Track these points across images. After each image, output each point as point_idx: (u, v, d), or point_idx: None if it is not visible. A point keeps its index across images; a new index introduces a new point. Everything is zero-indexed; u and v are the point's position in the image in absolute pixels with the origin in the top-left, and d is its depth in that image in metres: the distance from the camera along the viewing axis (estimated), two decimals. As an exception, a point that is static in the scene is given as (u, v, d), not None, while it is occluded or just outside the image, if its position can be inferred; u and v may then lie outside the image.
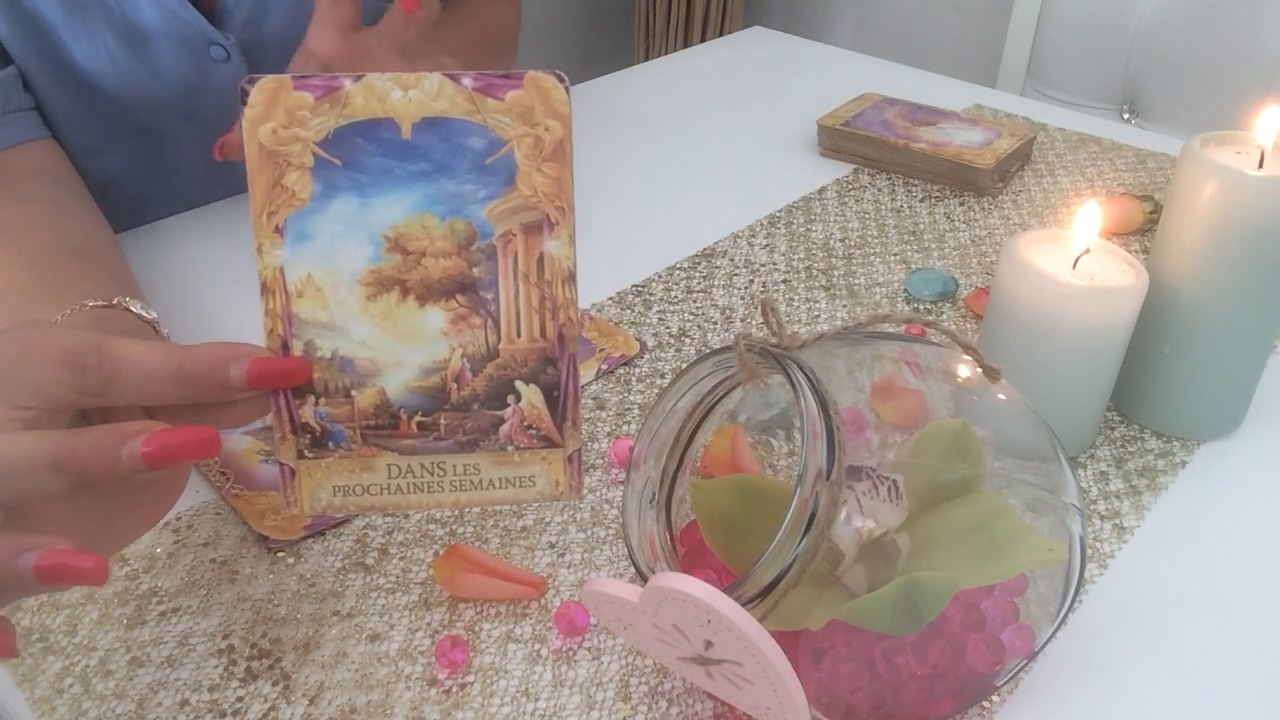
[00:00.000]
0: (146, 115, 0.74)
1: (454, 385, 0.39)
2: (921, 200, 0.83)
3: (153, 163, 0.78)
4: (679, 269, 0.73)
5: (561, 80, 0.37)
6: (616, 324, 0.66)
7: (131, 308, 0.51)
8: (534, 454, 0.40)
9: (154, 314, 0.52)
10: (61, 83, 0.69)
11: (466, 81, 0.37)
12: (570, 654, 0.44)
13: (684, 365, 0.54)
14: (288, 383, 0.38)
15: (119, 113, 0.73)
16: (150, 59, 0.71)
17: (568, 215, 0.38)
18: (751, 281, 0.71)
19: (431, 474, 0.40)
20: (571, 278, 0.39)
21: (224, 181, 0.80)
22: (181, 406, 0.37)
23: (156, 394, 0.36)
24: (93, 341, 0.36)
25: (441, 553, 0.48)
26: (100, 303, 0.50)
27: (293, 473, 0.39)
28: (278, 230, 0.37)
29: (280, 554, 0.49)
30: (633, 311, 0.67)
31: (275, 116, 0.37)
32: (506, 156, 0.38)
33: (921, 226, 0.79)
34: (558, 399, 0.39)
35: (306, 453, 0.39)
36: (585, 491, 0.50)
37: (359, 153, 0.38)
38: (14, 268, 0.57)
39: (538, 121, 0.38)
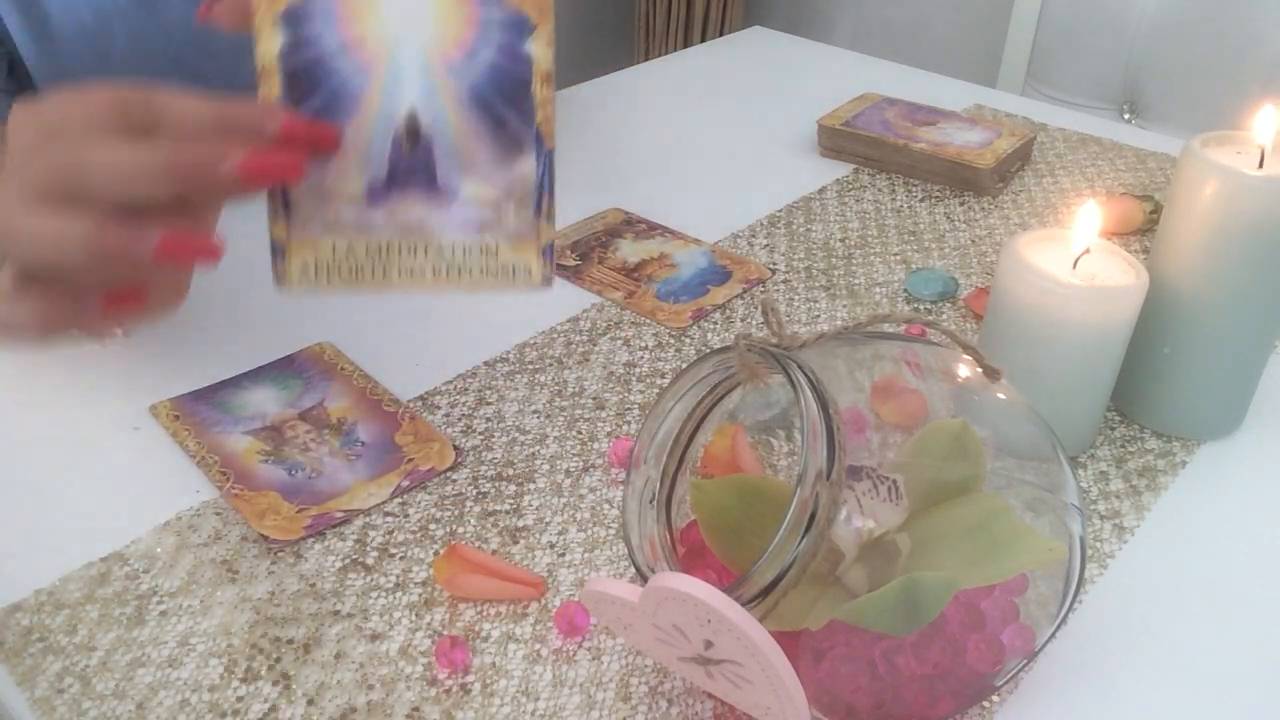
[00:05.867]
0: (154, 76, 0.73)
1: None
2: (921, 200, 0.83)
3: None
4: (679, 269, 0.73)
5: None
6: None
7: None
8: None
9: None
10: (64, 47, 0.69)
11: None
12: (570, 654, 0.44)
13: (684, 365, 0.54)
14: (317, 144, 0.40)
15: (125, 75, 0.72)
16: (159, 13, 0.71)
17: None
18: (751, 281, 0.71)
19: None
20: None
21: None
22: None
23: (198, 136, 0.39)
24: (140, 89, 0.39)
25: (441, 553, 0.48)
26: None
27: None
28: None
29: (280, 554, 0.49)
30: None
31: None
32: None
33: (921, 226, 0.79)
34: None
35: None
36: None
37: None
38: None
39: None
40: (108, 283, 0.39)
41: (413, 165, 0.41)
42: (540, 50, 0.40)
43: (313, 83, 0.40)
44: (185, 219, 0.40)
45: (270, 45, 0.39)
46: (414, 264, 0.42)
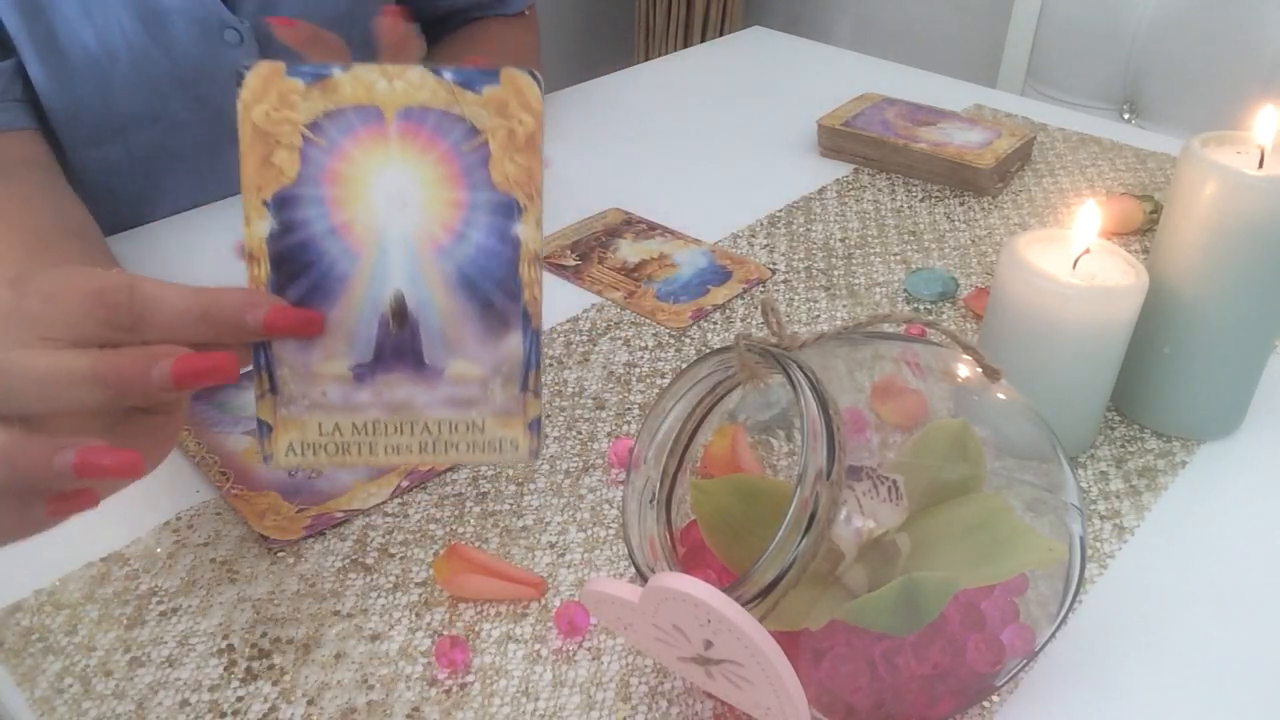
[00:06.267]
0: (156, 99, 0.74)
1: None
2: (921, 200, 0.83)
3: (158, 151, 0.78)
4: (679, 269, 0.73)
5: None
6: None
7: None
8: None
9: None
10: (67, 67, 0.70)
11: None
12: (570, 654, 0.44)
13: (684, 365, 0.54)
14: (300, 332, 0.40)
15: (129, 98, 0.73)
16: (164, 38, 0.71)
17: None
18: (751, 281, 0.71)
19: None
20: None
21: (224, 177, 0.80)
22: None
23: (182, 333, 0.38)
24: (125, 281, 0.38)
25: (441, 553, 0.48)
26: None
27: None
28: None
29: (280, 554, 0.49)
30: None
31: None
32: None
33: (921, 226, 0.79)
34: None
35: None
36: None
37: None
38: (7, 244, 0.57)
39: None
40: (43, 491, 0.38)
41: (399, 345, 0.41)
42: (529, 232, 0.40)
43: (301, 266, 0.40)
44: (149, 417, 0.40)
45: (259, 229, 0.40)
46: (400, 441, 0.42)
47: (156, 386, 0.37)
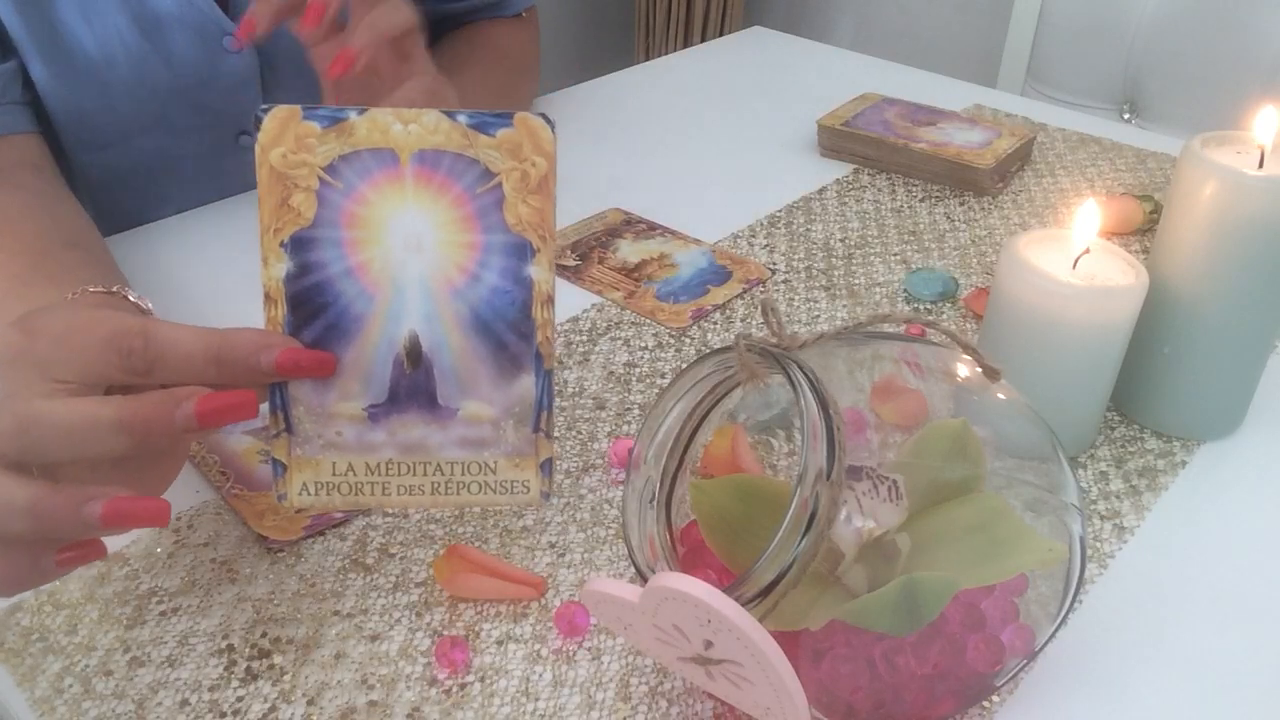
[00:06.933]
0: (156, 105, 0.74)
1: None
2: (921, 200, 0.83)
3: (158, 159, 0.78)
4: (679, 269, 0.72)
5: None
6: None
7: (129, 296, 0.52)
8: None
9: (149, 304, 0.52)
10: (71, 71, 0.70)
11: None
12: (570, 654, 0.44)
13: (684, 365, 0.54)
14: (313, 373, 0.40)
15: (130, 104, 0.73)
16: (163, 45, 0.71)
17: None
18: (751, 281, 0.71)
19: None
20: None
21: (225, 183, 0.81)
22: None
23: (195, 375, 0.38)
24: (139, 325, 0.38)
25: (441, 553, 0.48)
26: (100, 289, 0.51)
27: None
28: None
29: (280, 554, 0.49)
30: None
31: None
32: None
33: (921, 226, 0.79)
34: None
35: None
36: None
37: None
38: (8, 252, 0.57)
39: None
40: (59, 541, 0.38)
41: (413, 385, 0.41)
42: (541, 273, 0.41)
43: (317, 307, 0.40)
44: (151, 460, 0.41)
45: (275, 270, 0.40)
46: (413, 482, 0.42)
47: (181, 428, 0.37)
